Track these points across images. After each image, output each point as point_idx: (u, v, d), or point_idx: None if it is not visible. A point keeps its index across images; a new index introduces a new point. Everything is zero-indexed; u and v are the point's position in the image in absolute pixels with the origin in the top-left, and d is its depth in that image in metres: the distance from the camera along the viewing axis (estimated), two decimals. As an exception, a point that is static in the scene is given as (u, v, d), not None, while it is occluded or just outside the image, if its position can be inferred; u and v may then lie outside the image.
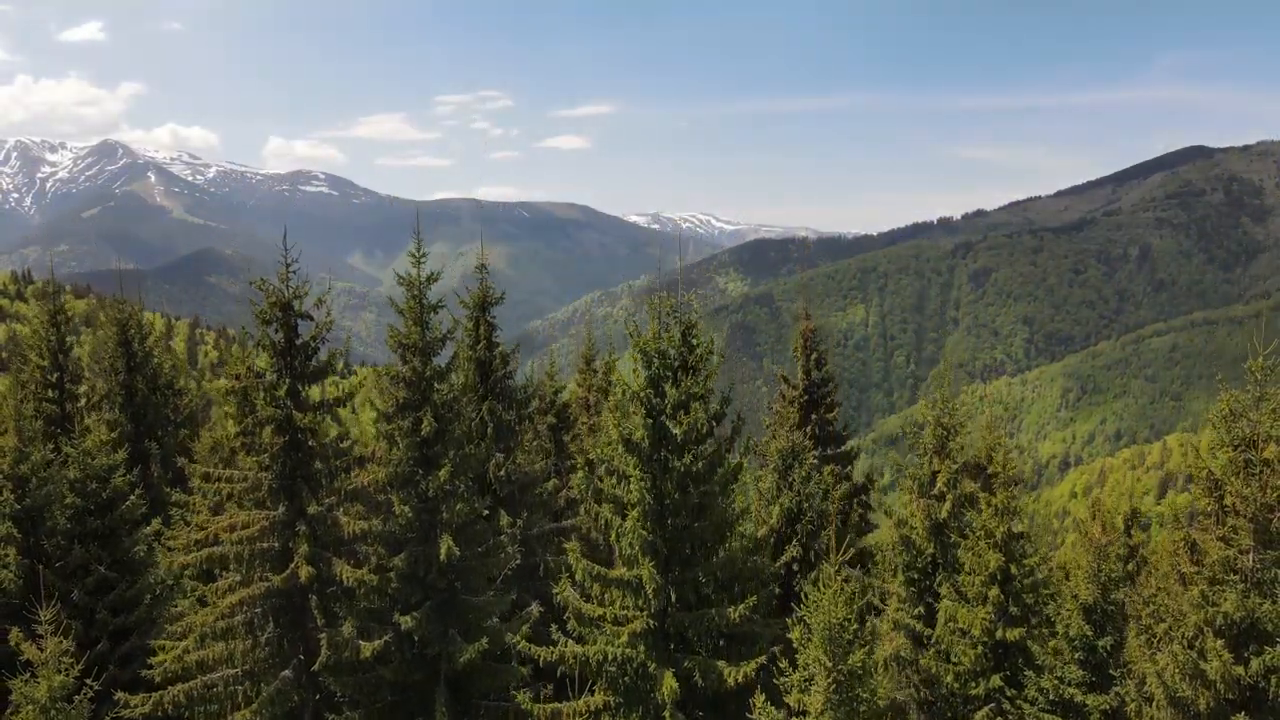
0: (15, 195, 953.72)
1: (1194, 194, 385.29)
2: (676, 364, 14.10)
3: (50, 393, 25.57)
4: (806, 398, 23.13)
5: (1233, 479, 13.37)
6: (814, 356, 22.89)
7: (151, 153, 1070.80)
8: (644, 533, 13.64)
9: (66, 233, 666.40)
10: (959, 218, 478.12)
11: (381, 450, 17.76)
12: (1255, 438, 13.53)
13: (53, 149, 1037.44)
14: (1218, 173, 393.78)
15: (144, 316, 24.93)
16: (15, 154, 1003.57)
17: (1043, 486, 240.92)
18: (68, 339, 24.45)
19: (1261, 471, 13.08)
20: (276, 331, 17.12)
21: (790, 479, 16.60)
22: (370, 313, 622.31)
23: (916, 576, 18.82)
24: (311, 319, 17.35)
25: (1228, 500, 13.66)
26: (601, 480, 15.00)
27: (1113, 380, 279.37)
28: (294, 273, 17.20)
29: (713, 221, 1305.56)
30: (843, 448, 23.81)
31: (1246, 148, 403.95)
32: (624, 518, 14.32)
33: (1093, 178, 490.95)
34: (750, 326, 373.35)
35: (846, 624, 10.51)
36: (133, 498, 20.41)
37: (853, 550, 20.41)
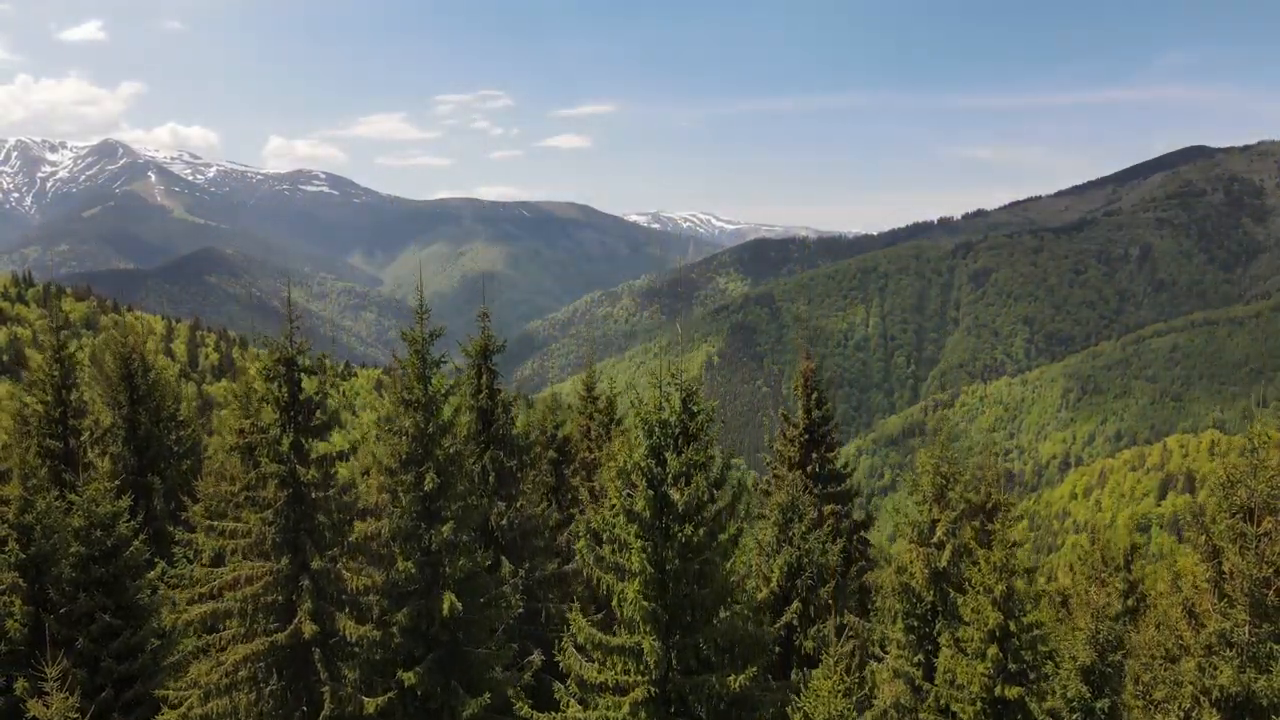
0: (16, 195, 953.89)
1: (1194, 194, 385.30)
2: (677, 431, 14.20)
3: (55, 428, 25.69)
4: (807, 437, 23.27)
5: (1230, 549, 13.47)
6: (814, 396, 23.02)
7: (152, 152, 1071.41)
8: (645, 603, 13.76)
9: (67, 232, 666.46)
10: (959, 218, 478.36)
11: (384, 502, 17.87)
12: (1252, 506, 13.63)
13: (53, 149, 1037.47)
14: (1218, 173, 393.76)
15: (147, 352, 24.93)
16: (16, 153, 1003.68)
17: (1043, 487, 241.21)
18: (72, 374, 24.52)
19: (1258, 544, 13.18)
20: (280, 387, 17.22)
21: (790, 534, 16.71)
22: (370, 312, 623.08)
23: (916, 624, 18.91)
24: (315, 373, 17.46)
25: (1225, 567, 13.77)
26: (602, 546, 15.11)
27: (1113, 381, 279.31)
28: (297, 328, 17.31)
29: (713, 221, 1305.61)
30: (842, 485, 23.93)
31: (1247, 148, 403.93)
32: (625, 583, 14.42)
33: (1093, 177, 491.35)
34: (750, 326, 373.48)
35: (846, 716, 10.61)
36: (136, 543, 20.52)
37: (854, 599, 20.49)
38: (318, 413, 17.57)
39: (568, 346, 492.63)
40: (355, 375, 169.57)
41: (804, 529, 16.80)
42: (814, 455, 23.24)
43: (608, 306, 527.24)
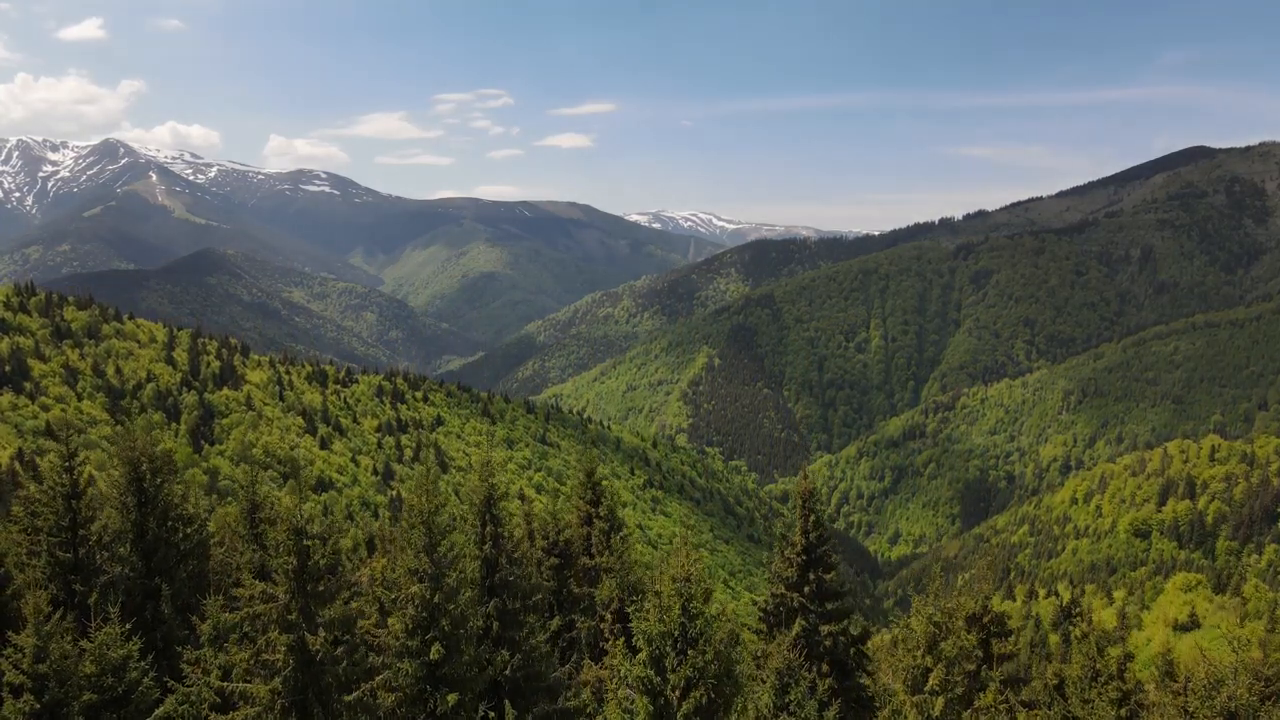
0: (17, 194, 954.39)
1: (1195, 195, 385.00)
2: (677, 634, 14.57)
3: (65, 535, 26.03)
4: (805, 558, 23.69)
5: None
6: (812, 519, 23.42)
7: (153, 152, 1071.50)
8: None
9: (68, 232, 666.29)
10: (960, 218, 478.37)
11: (391, 662, 18.27)
12: (1235, 713, 14.02)
13: (54, 148, 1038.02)
14: (1219, 174, 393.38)
15: (156, 449, 25.25)
16: (17, 153, 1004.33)
17: (1044, 491, 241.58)
18: (82, 482, 24.79)
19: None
20: (289, 557, 17.63)
21: (787, 700, 17.09)
22: (371, 313, 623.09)
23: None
24: (324, 540, 17.86)
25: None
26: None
27: (1114, 383, 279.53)
28: (304, 498, 17.69)
29: (714, 220, 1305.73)
30: (840, 603, 24.33)
31: (1248, 148, 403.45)
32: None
33: (1094, 176, 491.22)
34: (751, 328, 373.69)
35: None
36: (146, 681, 20.91)
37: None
38: (326, 578, 17.97)
39: (568, 347, 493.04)
40: (357, 382, 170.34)
41: (800, 694, 17.20)
42: (811, 576, 23.65)
43: (608, 307, 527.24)
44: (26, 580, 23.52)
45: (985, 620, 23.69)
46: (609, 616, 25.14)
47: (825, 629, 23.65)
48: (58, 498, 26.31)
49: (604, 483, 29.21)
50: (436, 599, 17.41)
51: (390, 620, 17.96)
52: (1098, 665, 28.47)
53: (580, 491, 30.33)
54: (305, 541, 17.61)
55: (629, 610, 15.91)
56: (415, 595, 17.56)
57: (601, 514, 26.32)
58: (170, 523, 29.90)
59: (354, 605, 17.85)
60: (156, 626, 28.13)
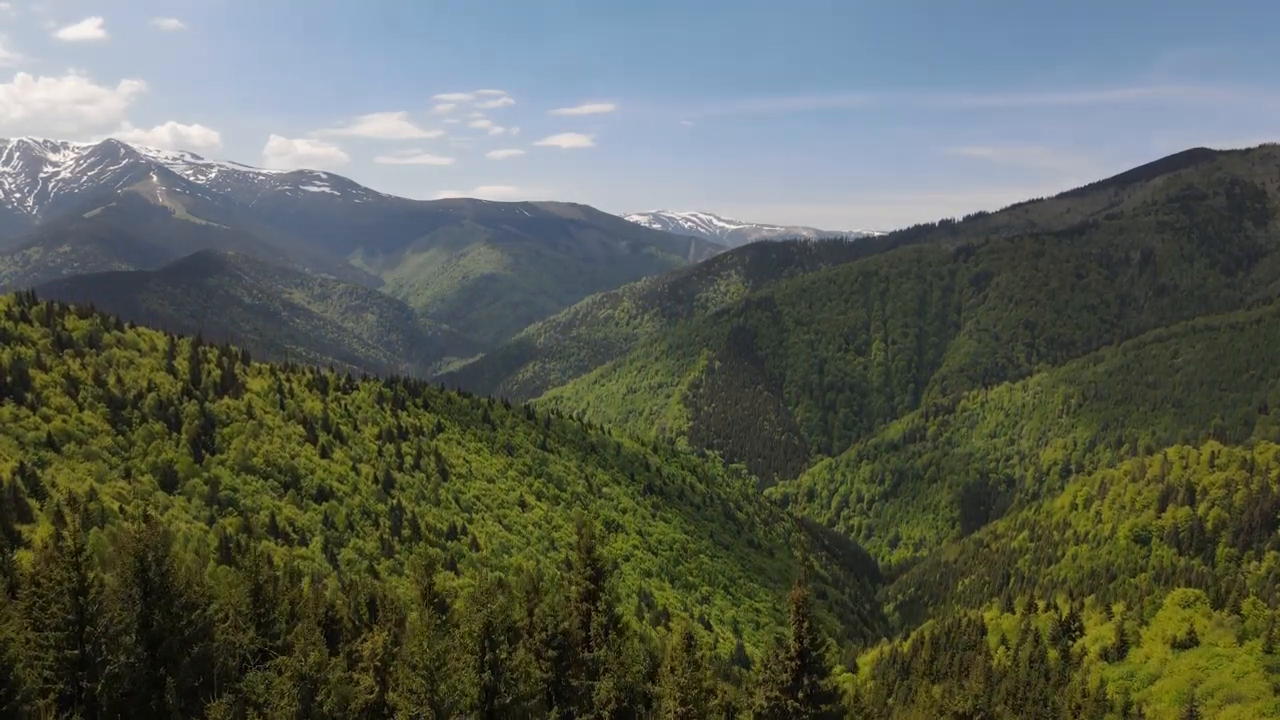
0: (18, 195, 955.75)
1: (1196, 197, 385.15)
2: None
3: (71, 630, 25.75)
4: (799, 663, 24.14)
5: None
6: (805, 624, 23.89)
7: (153, 153, 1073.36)
8: None
9: (69, 233, 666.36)
10: (960, 219, 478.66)
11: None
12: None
13: (55, 149, 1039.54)
14: (1220, 176, 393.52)
15: (165, 542, 25.19)
16: (18, 154, 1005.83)
17: (1044, 495, 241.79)
18: (89, 576, 24.68)
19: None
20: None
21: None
22: (372, 314, 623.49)
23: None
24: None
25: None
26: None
27: (1114, 386, 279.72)
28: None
29: (714, 221, 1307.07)
30: (833, 705, 24.82)
31: (1248, 150, 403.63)
32: None
33: (1094, 176, 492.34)
34: (751, 330, 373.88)
35: None
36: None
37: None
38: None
39: (568, 349, 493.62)
40: (357, 389, 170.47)
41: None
42: (806, 681, 24.11)
43: (608, 308, 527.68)
44: (34, 683, 23.05)
45: None
46: (607, 715, 25.44)
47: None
48: (65, 594, 26.21)
49: (600, 544, 29.29)
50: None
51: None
52: None
53: (579, 568, 30.56)
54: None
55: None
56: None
57: (600, 607, 26.71)
58: (175, 611, 29.70)
59: (354, 676, 18.03)
60: (161, 719, 27.94)
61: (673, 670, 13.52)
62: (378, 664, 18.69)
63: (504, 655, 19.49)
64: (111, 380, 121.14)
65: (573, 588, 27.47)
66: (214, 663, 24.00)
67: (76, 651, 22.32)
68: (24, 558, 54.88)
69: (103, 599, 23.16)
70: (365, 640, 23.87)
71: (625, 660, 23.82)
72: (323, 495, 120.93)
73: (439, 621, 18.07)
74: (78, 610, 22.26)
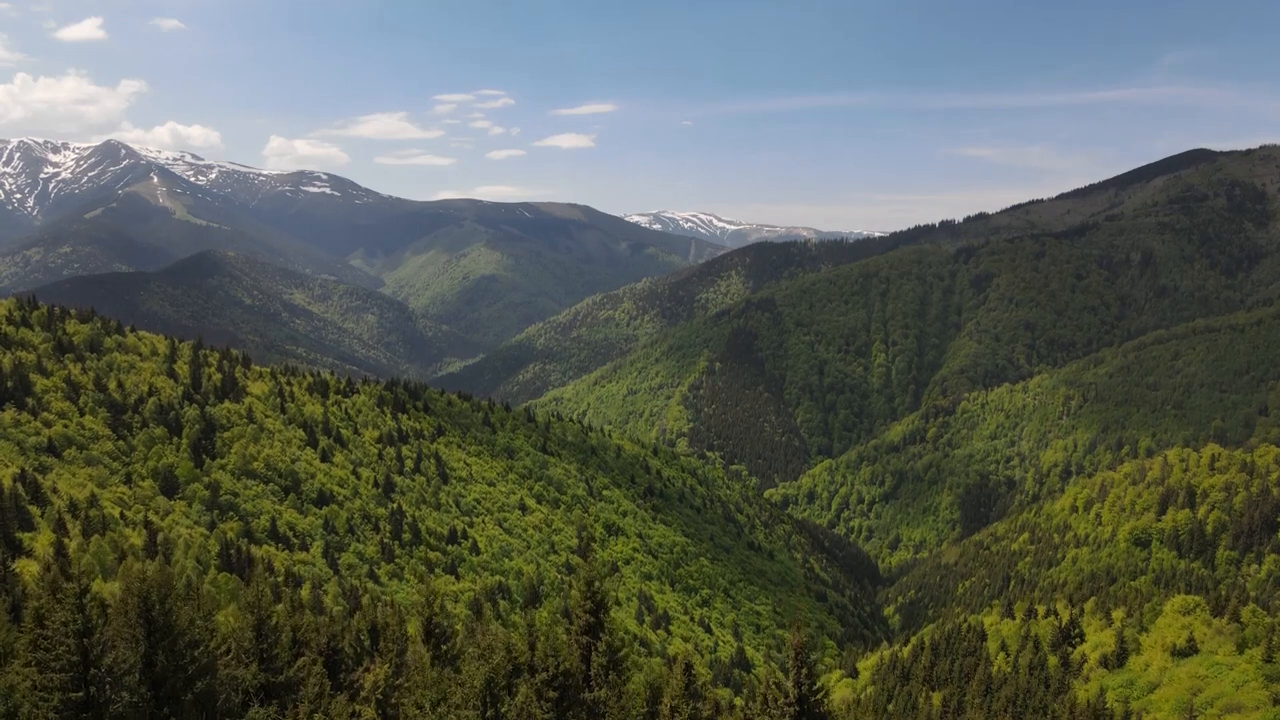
0: (18, 196, 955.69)
1: (1196, 198, 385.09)
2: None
3: (76, 671, 25.63)
4: (797, 708, 24.20)
5: None
6: (804, 670, 23.92)
7: (154, 154, 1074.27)
8: None
9: (69, 234, 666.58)
10: (961, 220, 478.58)
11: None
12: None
13: (55, 149, 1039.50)
14: (1220, 177, 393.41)
15: (168, 580, 25.13)
16: (18, 154, 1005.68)
17: (1044, 496, 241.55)
18: (93, 620, 24.53)
19: None
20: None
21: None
22: (372, 314, 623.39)
23: None
24: None
25: None
26: None
27: (1114, 388, 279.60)
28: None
29: (715, 221, 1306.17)
30: None
31: (1249, 151, 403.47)
32: None
33: (1094, 177, 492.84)
34: (751, 331, 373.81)
35: None
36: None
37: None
38: None
39: (569, 350, 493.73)
40: (358, 392, 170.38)
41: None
42: None
43: (609, 309, 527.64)
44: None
45: None
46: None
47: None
48: (69, 635, 26.15)
49: (604, 586, 29.28)
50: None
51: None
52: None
53: (580, 600, 30.60)
54: None
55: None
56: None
57: (601, 647, 26.77)
58: (179, 649, 29.66)
59: (356, 708, 18.08)
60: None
61: (674, 712, 13.54)
62: (379, 696, 18.77)
63: (505, 709, 19.58)
64: (112, 385, 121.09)
65: (576, 622, 27.54)
66: (216, 699, 23.99)
67: (81, 694, 22.32)
68: (24, 567, 54.94)
69: (106, 640, 23.12)
70: (368, 670, 23.98)
71: (625, 703, 23.85)
72: (323, 499, 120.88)
73: (440, 651, 18.04)
74: (82, 652, 22.26)
